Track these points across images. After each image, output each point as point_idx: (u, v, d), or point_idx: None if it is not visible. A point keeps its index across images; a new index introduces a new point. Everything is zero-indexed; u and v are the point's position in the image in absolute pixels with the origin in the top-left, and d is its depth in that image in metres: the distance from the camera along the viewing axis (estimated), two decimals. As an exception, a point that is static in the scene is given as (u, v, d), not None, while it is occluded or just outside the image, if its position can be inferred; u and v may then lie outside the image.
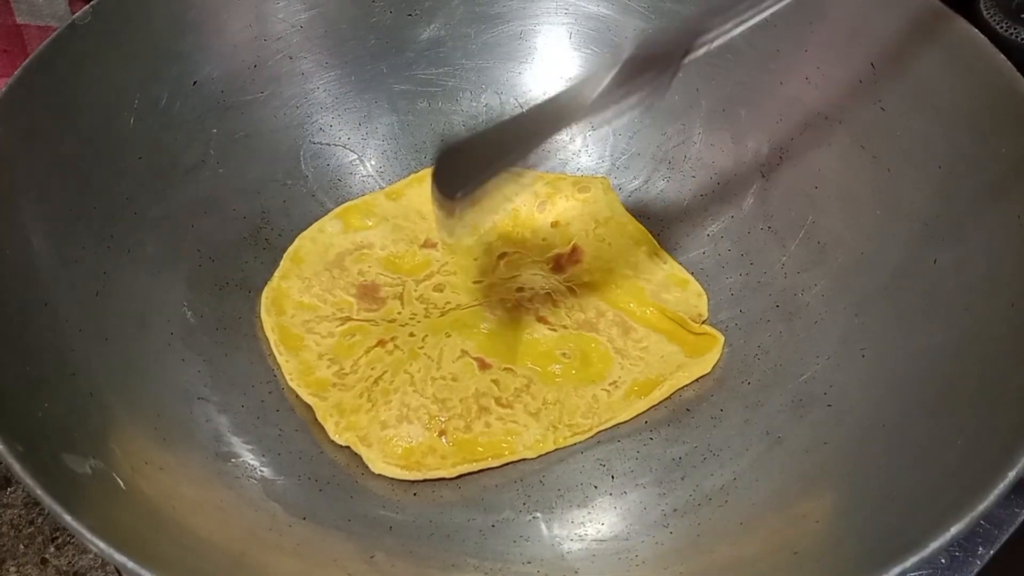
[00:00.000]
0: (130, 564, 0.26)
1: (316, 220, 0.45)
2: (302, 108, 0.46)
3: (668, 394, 0.40)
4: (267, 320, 0.41)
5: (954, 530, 0.26)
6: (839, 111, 0.42)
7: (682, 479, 0.37)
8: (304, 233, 0.44)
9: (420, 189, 0.46)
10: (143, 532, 0.29)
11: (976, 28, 0.38)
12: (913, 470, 0.31)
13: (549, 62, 0.49)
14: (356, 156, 0.47)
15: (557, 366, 0.41)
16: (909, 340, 0.36)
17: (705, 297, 0.44)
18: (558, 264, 0.45)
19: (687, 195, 0.47)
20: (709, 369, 0.41)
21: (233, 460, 0.36)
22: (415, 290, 0.43)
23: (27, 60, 0.37)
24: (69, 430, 0.31)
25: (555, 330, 0.42)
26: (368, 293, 0.43)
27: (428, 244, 0.45)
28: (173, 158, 0.42)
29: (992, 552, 0.38)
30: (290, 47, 0.45)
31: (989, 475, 0.27)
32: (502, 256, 0.45)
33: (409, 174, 0.48)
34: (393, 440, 0.38)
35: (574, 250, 0.45)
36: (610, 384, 0.41)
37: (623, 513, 0.37)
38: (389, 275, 0.44)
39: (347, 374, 0.40)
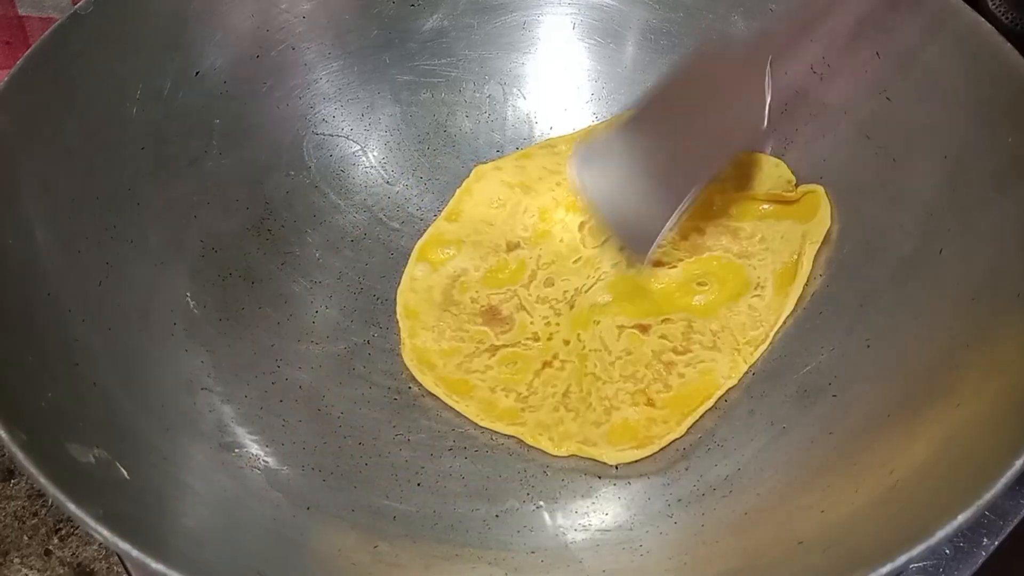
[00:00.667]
0: (134, 553, 0.26)
1: (321, 212, 0.45)
2: (305, 99, 0.46)
3: (811, 263, 0.40)
4: (426, 379, 0.41)
5: (961, 518, 0.25)
6: (844, 101, 0.41)
7: (686, 469, 0.37)
8: (400, 288, 0.44)
9: (472, 199, 0.46)
10: (146, 521, 0.29)
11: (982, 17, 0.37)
12: (919, 460, 0.31)
13: (552, 52, 0.48)
14: (359, 147, 0.47)
15: (700, 297, 0.42)
16: (915, 330, 0.35)
17: (783, 164, 0.43)
18: None
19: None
20: (829, 223, 0.41)
21: (236, 450, 0.36)
22: (529, 295, 0.44)
23: (29, 50, 0.37)
24: (72, 419, 0.31)
25: (675, 267, 0.43)
26: (492, 316, 0.43)
27: (511, 247, 0.45)
28: (176, 148, 0.41)
29: (996, 543, 0.37)
30: (293, 37, 0.45)
31: (996, 464, 0.27)
32: (581, 226, 0.45)
33: (412, 165, 0.48)
34: (613, 430, 0.38)
35: None
36: (756, 288, 0.41)
37: (627, 503, 0.37)
38: (498, 291, 0.44)
39: (528, 396, 0.40)
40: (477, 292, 0.44)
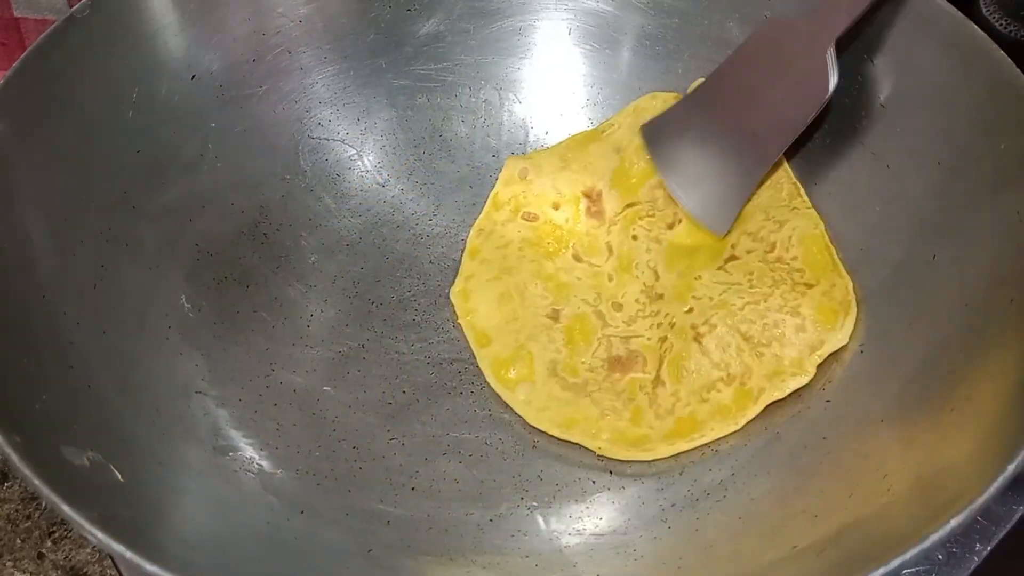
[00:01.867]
0: (128, 555, 0.26)
1: (316, 216, 0.45)
2: (301, 103, 0.46)
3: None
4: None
5: (953, 523, 0.25)
6: (840, 107, 0.42)
7: (680, 474, 0.37)
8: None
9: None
10: (141, 524, 0.29)
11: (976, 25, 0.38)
12: (912, 464, 0.31)
13: (548, 58, 0.48)
14: (355, 151, 0.47)
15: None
16: (908, 336, 0.36)
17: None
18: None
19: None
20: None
21: (231, 454, 0.36)
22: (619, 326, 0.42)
23: (25, 53, 0.37)
24: (67, 422, 0.31)
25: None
26: (617, 362, 0.41)
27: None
28: (171, 152, 0.41)
29: (989, 548, 0.38)
30: (289, 41, 0.45)
31: (988, 469, 0.27)
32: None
33: (407, 169, 0.48)
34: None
35: None
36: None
37: (621, 508, 0.37)
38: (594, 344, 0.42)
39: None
40: (592, 355, 0.41)
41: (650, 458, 0.38)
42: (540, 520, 0.36)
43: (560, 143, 0.48)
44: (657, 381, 0.39)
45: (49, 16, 0.51)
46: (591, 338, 0.41)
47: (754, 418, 0.38)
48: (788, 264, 0.40)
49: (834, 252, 0.40)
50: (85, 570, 0.40)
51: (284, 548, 0.33)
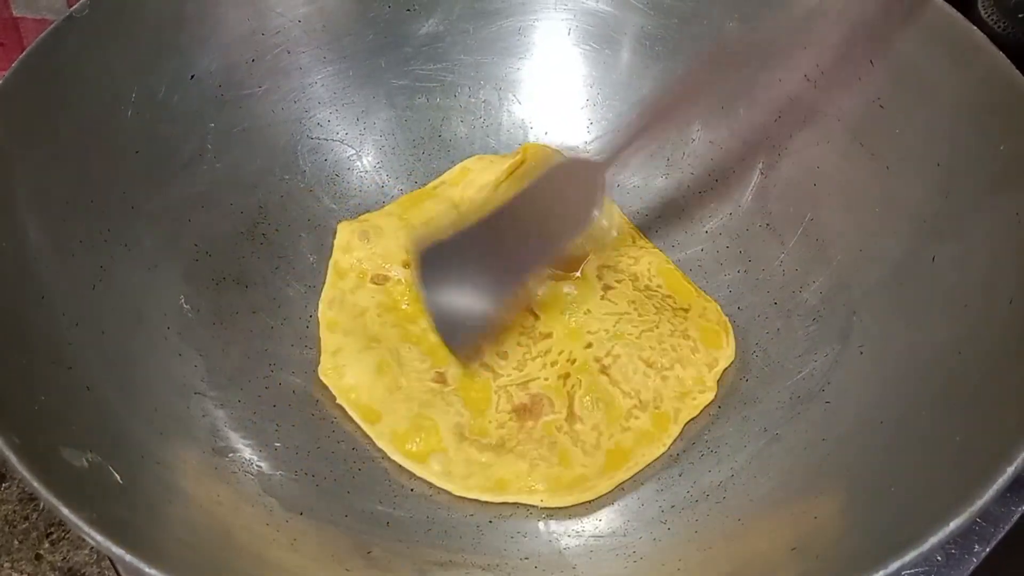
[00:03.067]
0: (127, 558, 0.26)
1: (315, 217, 0.45)
2: (300, 103, 0.46)
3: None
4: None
5: (953, 525, 0.26)
6: (838, 108, 0.42)
7: (680, 475, 0.37)
8: None
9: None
10: (140, 526, 0.29)
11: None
12: (912, 466, 0.31)
13: (548, 58, 0.48)
14: (354, 151, 0.47)
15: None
16: (908, 337, 0.36)
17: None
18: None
19: (685, 192, 0.47)
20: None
21: (230, 455, 0.36)
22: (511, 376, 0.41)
23: (24, 52, 0.37)
24: (66, 423, 0.31)
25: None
26: (524, 413, 0.40)
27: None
28: (170, 152, 0.41)
29: (988, 550, 0.38)
30: (288, 41, 0.45)
31: (988, 470, 0.27)
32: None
33: (407, 169, 0.48)
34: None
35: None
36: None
37: (620, 509, 0.37)
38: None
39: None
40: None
41: (592, 497, 0.37)
42: (539, 522, 0.36)
43: (390, 204, 0.47)
44: (572, 419, 0.39)
45: (48, 16, 0.51)
46: (488, 393, 0.40)
47: (754, 419, 0.38)
48: (658, 292, 0.43)
49: (690, 280, 0.43)
50: (83, 571, 0.40)
51: (283, 550, 0.33)
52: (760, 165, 0.45)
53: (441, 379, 0.41)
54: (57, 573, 0.40)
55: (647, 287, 0.43)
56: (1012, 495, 0.38)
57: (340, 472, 0.37)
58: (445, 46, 0.48)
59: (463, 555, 0.35)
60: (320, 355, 0.41)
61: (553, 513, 0.37)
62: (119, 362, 0.35)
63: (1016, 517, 0.38)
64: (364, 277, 0.44)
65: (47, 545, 0.40)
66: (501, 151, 0.48)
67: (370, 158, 0.47)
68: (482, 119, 0.49)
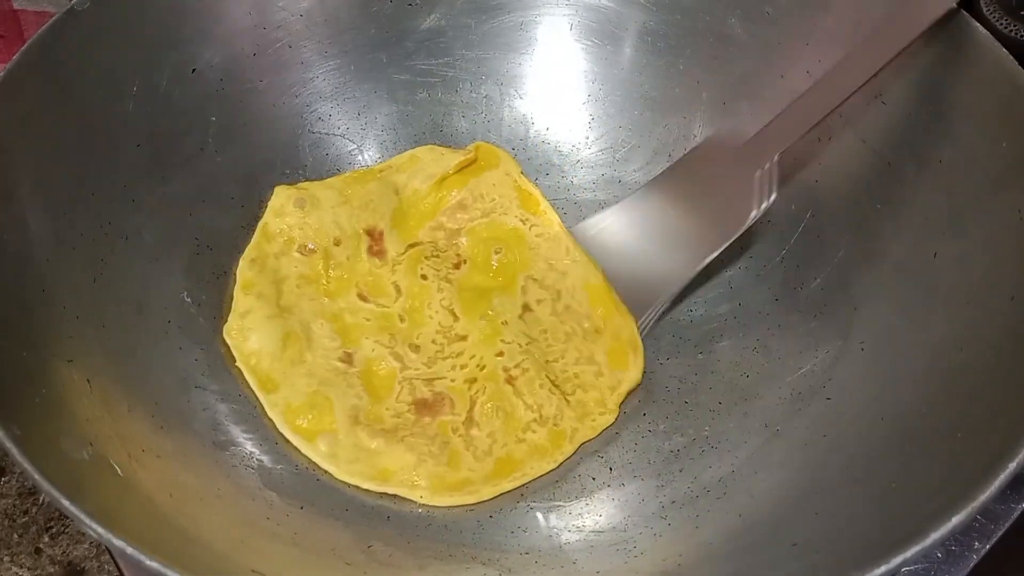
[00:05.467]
0: (128, 549, 0.26)
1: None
2: (301, 97, 0.46)
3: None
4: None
5: (955, 520, 0.26)
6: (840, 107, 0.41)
7: (680, 471, 0.37)
8: None
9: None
10: (140, 518, 0.29)
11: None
12: (913, 462, 0.31)
13: (549, 53, 0.48)
14: (355, 146, 0.47)
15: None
16: (909, 334, 0.36)
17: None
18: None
19: (687, 188, 0.46)
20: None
21: (231, 448, 0.36)
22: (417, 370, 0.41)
23: (26, 45, 0.37)
24: (66, 416, 0.31)
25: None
26: (424, 408, 0.39)
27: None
28: (172, 145, 0.41)
29: (988, 547, 0.38)
30: (290, 35, 0.45)
31: (989, 466, 0.27)
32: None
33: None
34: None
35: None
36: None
37: (621, 504, 0.37)
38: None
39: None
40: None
41: (473, 501, 0.37)
42: (540, 517, 0.36)
43: (335, 177, 0.46)
44: (470, 423, 0.38)
45: (48, 9, 0.51)
46: (392, 382, 0.40)
47: (755, 415, 0.38)
48: (577, 312, 0.42)
49: (615, 295, 0.42)
50: (83, 565, 0.40)
51: (284, 543, 0.33)
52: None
53: (348, 360, 0.40)
54: (57, 567, 0.40)
55: (567, 307, 0.42)
56: (1013, 492, 0.38)
57: (341, 466, 0.37)
58: (447, 41, 0.48)
59: (463, 549, 0.35)
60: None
61: (554, 508, 0.37)
62: (119, 355, 0.35)
63: (1016, 514, 0.38)
64: (291, 245, 0.43)
65: (47, 539, 0.40)
66: (503, 146, 0.48)
67: (371, 152, 0.47)
68: (483, 114, 0.49)
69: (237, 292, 0.41)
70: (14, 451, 0.27)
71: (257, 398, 0.38)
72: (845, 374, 0.37)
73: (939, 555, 0.37)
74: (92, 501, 0.27)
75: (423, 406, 0.39)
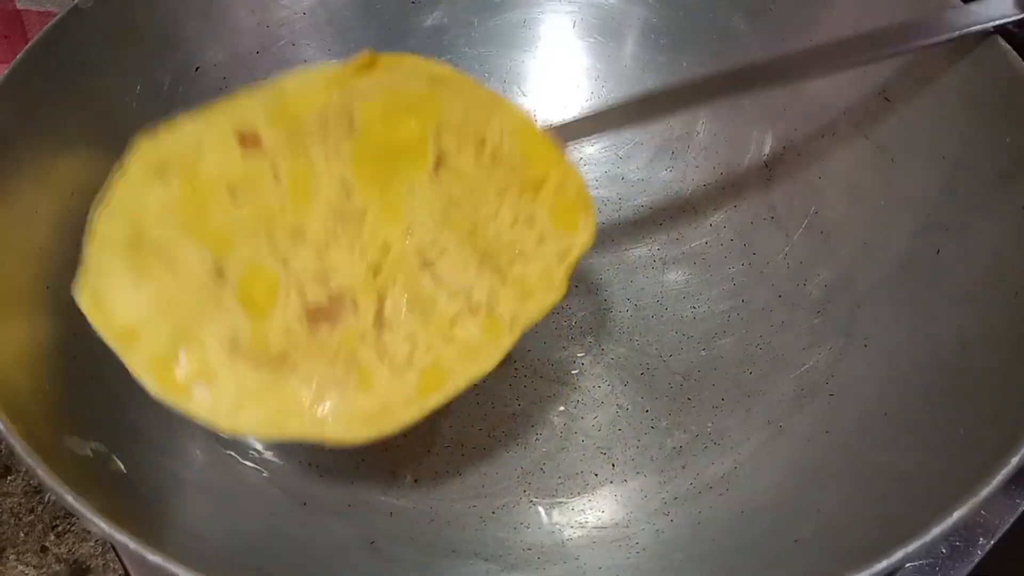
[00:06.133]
0: (132, 545, 0.26)
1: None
2: (304, 95, 0.46)
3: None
4: None
5: (957, 515, 0.25)
6: (843, 101, 0.41)
7: (683, 467, 0.37)
8: None
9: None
10: (144, 514, 0.29)
11: (981, 18, 0.37)
12: (916, 458, 0.31)
13: (553, 51, 0.48)
14: (358, 144, 0.47)
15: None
16: (912, 330, 0.36)
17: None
18: None
19: (690, 184, 0.46)
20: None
21: (234, 445, 0.36)
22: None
23: (29, 44, 0.37)
24: (70, 412, 0.31)
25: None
26: (319, 316, 0.31)
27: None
28: (175, 144, 0.41)
29: (992, 542, 0.38)
30: (293, 34, 0.45)
31: (992, 462, 0.27)
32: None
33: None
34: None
35: None
36: None
37: (623, 501, 0.37)
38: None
39: None
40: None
41: (395, 428, 0.30)
42: (542, 513, 0.36)
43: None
44: (379, 326, 0.31)
45: (52, 8, 0.51)
46: (275, 289, 0.31)
47: (758, 412, 0.38)
48: (507, 160, 0.33)
49: (551, 141, 0.34)
50: (88, 563, 0.40)
51: (287, 539, 0.33)
52: (765, 158, 0.45)
53: (219, 273, 0.31)
54: (63, 565, 0.40)
55: (493, 156, 0.33)
56: (1016, 488, 0.38)
57: (343, 463, 0.37)
58: (450, 39, 0.48)
59: (466, 545, 0.35)
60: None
61: (556, 504, 0.37)
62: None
63: (1020, 510, 0.38)
64: (150, 180, 0.32)
65: (52, 537, 0.40)
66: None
67: (374, 151, 0.47)
68: (486, 112, 0.48)
69: (88, 250, 0.31)
70: (18, 448, 0.27)
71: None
72: (848, 371, 0.37)
73: (943, 550, 0.37)
74: (96, 497, 0.27)
75: (318, 314, 0.31)
